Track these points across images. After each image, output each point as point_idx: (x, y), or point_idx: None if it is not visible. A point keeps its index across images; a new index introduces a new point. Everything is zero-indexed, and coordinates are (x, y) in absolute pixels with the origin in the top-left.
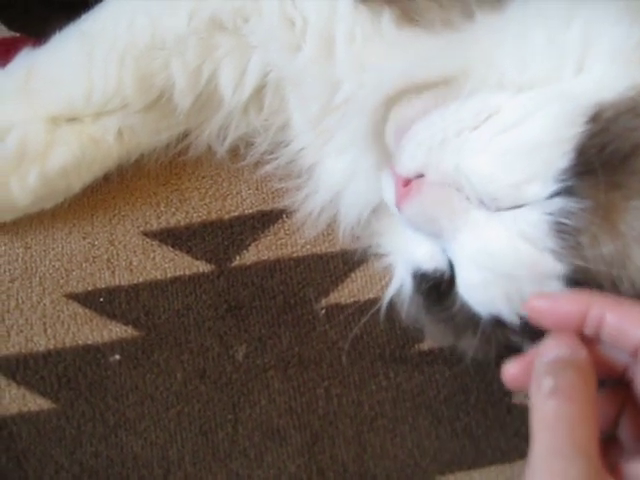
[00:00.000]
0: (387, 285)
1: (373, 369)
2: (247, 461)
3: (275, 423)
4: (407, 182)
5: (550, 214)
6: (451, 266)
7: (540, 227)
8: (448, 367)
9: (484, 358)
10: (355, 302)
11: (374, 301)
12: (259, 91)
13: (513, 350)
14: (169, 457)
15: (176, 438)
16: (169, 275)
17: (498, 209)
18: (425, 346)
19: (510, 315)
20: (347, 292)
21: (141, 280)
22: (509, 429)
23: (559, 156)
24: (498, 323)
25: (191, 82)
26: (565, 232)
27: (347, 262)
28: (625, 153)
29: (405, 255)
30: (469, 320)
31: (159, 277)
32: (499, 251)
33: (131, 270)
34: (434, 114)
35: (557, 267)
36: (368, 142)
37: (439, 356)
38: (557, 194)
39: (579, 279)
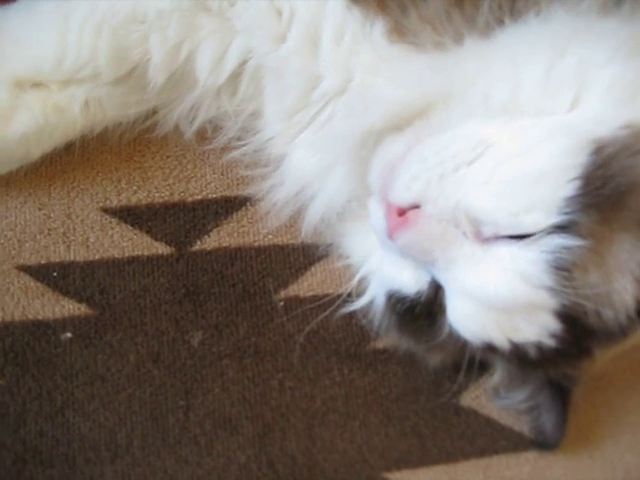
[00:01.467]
0: (345, 282)
1: (328, 364)
2: (197, 448)
3: (227, 412)
4: (402, 212)
5: (548, 252)
6: (435, 292)
7: (538, 265)
8: (401, 367)
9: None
10: (314, 296)
11: (332, 296)
12: (236, 76)
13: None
14: (117, 440)
15: (125, 421)
16: (127, 254)
17: (495, 242)
18: (380, 344)
19: (500, 342)
20: (306, 285)
21: (97, 257)
22: (455, 431)
23: (564, 184)
24: (489, 348)
25: (168, 59)
26: (561, 268)
27: (308, 256)
28: (622, 190)
29: (383, 275)
30: (447, 342)
31: (116, 255)
32: (495, 287)
33: (87, 246)
34: (425, 145)
35: (550, 302)
36: (347, 158)
37: (393, 355)
38: (557, 228)
39: (568, 312)
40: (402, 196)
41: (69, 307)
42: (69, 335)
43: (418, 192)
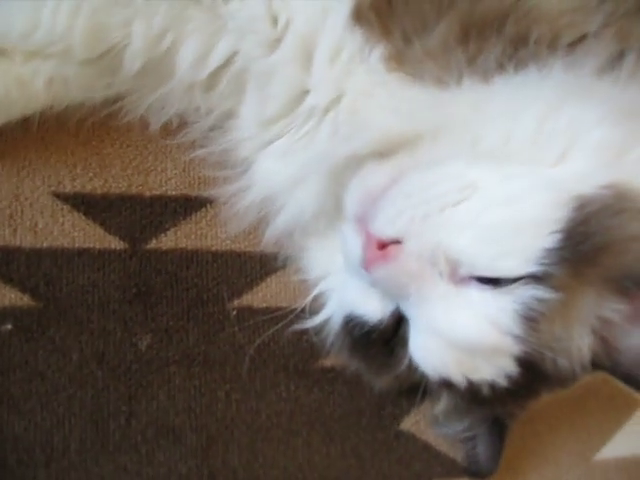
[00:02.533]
0: (300, 297)
1: (275, 379)
2: (137, 456)
3: (171, 421)
4: (382, 245)
5: (520, 302)
6: (396, 322)
7: (508, 313)
8: (346, 387)
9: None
10: (267, 308)
11: (286, 310)
12: (216, 74)
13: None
14: (53, 443)
15: (63, 423)
16: (77, 245)
17: (469, 284)
18: (328, 363)
19: (457, 379)
20: (260, 296)
21: (45, 245)
22: (394, 454)
23: (545, 235)
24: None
25: (148, 47)
26: (530, 318)
27: (265, 266)
28: (598, 247)
29: (345, 298)
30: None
31: (66, 245)
32: (463, 329)
33: (35, 232)
34: (411, 181)
35: (514, 348)
36: (322, 177)
37: (340, 375)
38: (531, 278)
39: (528, 358)
40: (385, 230)
41: (11, 296)
42: (9, 327)
43: (401, 228)
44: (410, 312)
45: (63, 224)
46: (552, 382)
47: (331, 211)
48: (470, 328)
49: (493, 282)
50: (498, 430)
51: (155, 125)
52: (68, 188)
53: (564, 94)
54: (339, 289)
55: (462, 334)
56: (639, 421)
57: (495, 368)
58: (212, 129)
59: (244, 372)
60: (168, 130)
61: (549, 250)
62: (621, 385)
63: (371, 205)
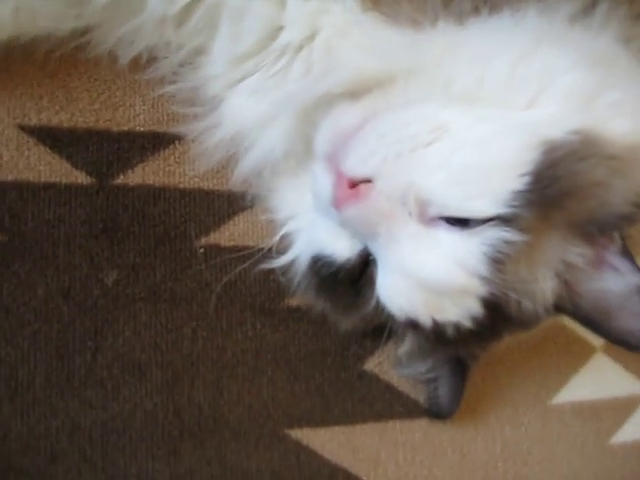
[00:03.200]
0: (268, 237)
1: (241, 317)
2: (103, 392)
3: (137, 357)
4: (353, 184)
5: (488, 243)
6: (364, 262)
7: (476, 255)
8: (312, 327)
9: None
10: (234, 246)
11: (253, 249)
12: (189, 8)
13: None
14: (18, 377)
15: (29, 358)
16: (43, 179)
17: (438, 225)
18: (294, 302)
19: (424, 319)
20: (228, 235)
21: (10, 179)
22: (357, 394)
23: (515, 178)
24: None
25: None
26: (497, 260)
27: (232, 204)
28: (564, 192)
29: (313, 238)
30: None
31: (32, 179)
32: (432, 269)
33: (0, 165)
34: (384, 121)
35: (480, 289)
36: (293, 115)
37: (306, 314)
38: (500, 220)
39: (493, 300)
40: (357, 169)
41: None
42: None
43: (373, 167)
44: (379, 252)
45: (29, 157)
46: (515, 324)
47: (301, 151)
48: (438, 269)
49: (462, 223)
50: (460, 372)
51: (124, 59)
52: (34, 121)
53: (537, 39)
54: (307, 229)
55: (430, 274)
56: (595, 367)
57: (461, 309)
58: (182, 65)
59: (210, 310)
60: (137, 65)
61: (517, 192)
62: (579, 331)
63: (342, 144)
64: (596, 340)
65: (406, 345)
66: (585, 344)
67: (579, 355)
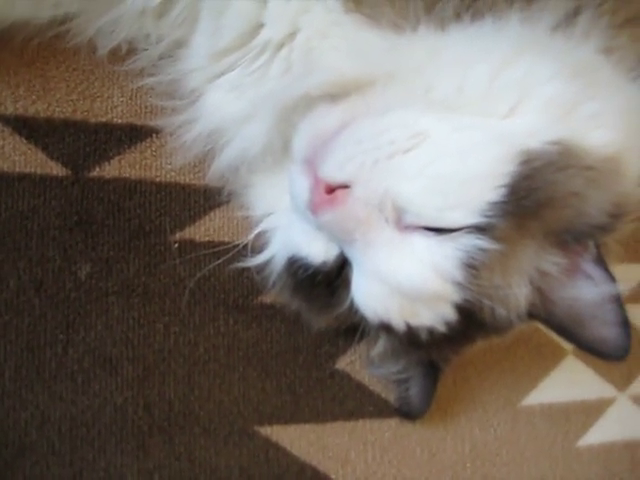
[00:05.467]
0: (243, 233)
1: (214, 313)
2: (73, 385)
3: (108, 351)
4: (330, 190)
5: (463, 250)
6: (340, 265)
7: (451, 261)
8: (285, 324)
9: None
10: (209, 242)
11: (228, 245)
12: (169, 0)
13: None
14: None
15: None
16: (17, 170)
17: (413, 232)
18: (267, 299)
19: (397, 323)
20: (203, 230)
21: None
22: (328, 392)
23: (491, 189)
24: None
25: None
26: (471, 267)
27: (208, 199)
28: (540, 202)
29: (290, 240)
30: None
31: (6, 169)
32: (407, 275)
33: None
34: (362, 126)
35: (454, 296)
36: (272, 114)
37: (279, 312)
38: (475, 229)
39: (467, 306)
40: (334, 174)
41: None
42: None
43: (351, 173)
44: (355, 256)
45: (3, 147)
46: (489, 330)
47: (279, 149)
48: (413, 274)
49: (437, 230)
50: (431, 374)
51: (103, 50)
52: (10, 110)
53: (518, 48)
54: (284, 229)
55: (405, 280)
56: (565, 370)
57: (435, 314)
58: (162, 57)
59: (183, 305)
60: (116, 56)
61: (494, 203)
62: (550, 335)
63: (320, 148)
64: (568, 343)
65: (379, 346)
66: (557, 347)
67: (550, 358)
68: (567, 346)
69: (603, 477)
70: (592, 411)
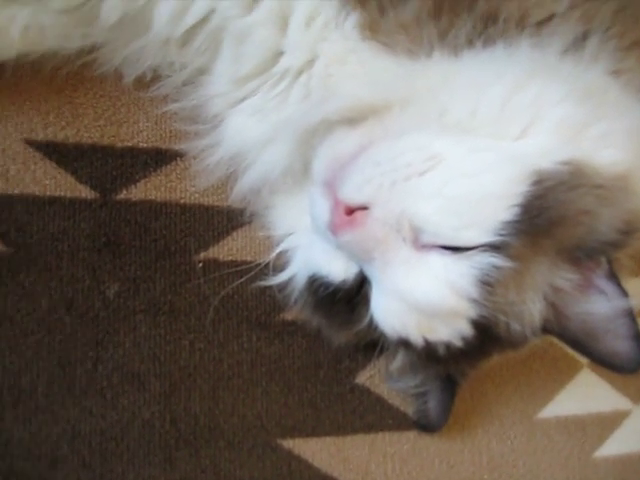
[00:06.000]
0: (265, 252)
1: (238, 330)
2: (102, 401)
3: (136, 368)
4: (349, 211)
5: (478, 268)
6: (360, 283)
7: (466, 278)
8: (306, 340)
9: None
10: (232, 261)
11: (250, 264)
12: (192, 30)
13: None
14: (21, 385)
15: (32, 367)
16: (48, 193)
17: (430, 250)
18: (289, 316)
19: (415, 339)
20: (226, 250)
21: (17, 192)
22: (348, 406)
23: (505, 209)
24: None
25: (126, 0)
26: (486, 284)
27: (231, 220)
28: (553, 221)
29: (311, 259)
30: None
31: (37, 193)
32: (424, 293)
33: (7, 179)
34: (379, 149)
35: (470, 312)
36: (292, 138)
37: (300, 329)
38: (490, 247)
39: (483, 322)
40: (353, 196)
41: None
42: None
43: (369, 195)
44: (373, 275)
45: (35, 172)
46: (504, 344)
47: (299, 171)
48: (430, 292)
49: (453, 249)
50: (449, 387)
51: (129, 77)
52: (40, 136)
53: (530, 72)
54: (304, 248)
55: (422, 297)
56: (581, 383)
57: (452, 330)
58: (185, 84)
59: (208, 322)
60: (142, 83)
61: (507, 222)
62: (565, 349)
63: (339, 171)
64: (583, 357)
65: (398, 361)
66: (572, 360)
67: (566, 371)
68: (582, 359)
69: None
70: (608, 423)
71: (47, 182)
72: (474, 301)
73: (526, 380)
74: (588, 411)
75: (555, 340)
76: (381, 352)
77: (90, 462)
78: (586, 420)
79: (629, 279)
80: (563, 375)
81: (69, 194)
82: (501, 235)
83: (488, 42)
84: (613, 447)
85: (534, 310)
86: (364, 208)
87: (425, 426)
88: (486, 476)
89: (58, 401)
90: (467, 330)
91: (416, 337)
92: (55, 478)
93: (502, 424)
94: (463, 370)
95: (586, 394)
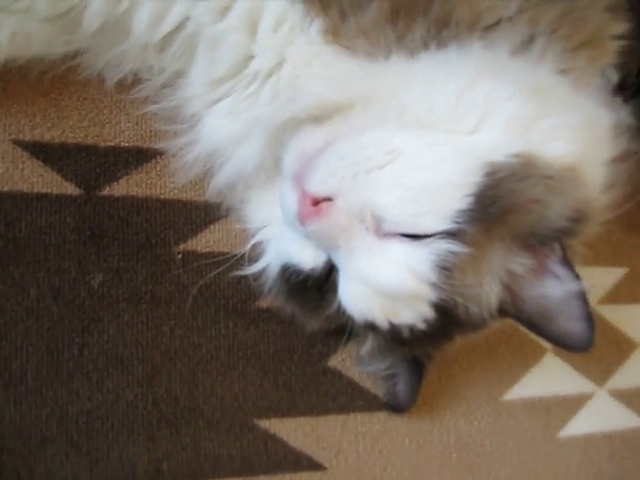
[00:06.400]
0: (241, 244)
1: (215, 317)
2: (88, 384)
3: (120, 352)
4: (316, 202)
5: (436, 254)
6: (328, 270)
7: (426, 263)
8: (280, 326)
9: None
10: (210, 252)
11: (227, 255)
12: (169, 36)
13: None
14: (12, 369)
15: (21, 352)
16: (36, 190)
17: (392, 238)
18: (264, 304)
19: (381, 322)
20: (204, 242)
21: (6, 189)
22: (321, 388)
23: (460, 198)
24: (369, 325)
25: (107, 8)
26: (444, 268)
27: (209, 214)
28: (505, 209)
29: (282, 249)
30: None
31: (25, 190)
32: (386, 277)
33: None
34: (343, 144)
35: (430, 295)
36: (263, 136)
37: (274, 315)
38: (446, 234)
39: (443, 305)
40: (319, 188)
41: None
42: None
43: (333, 186)
44: (340, 262)
45: (23, 170)
46: (464, 327)
47: (271, 167)
48: (392, 276)
49: (413, 236)
50: (417, 369)
51: (111, 81)
52: (28, 137)
53: (480, 71)
54: (277, 239)
55: (385, 282)
56: (545, 366)
57: (414, 313)
58: (164, 86)
59: (187, 310)
60: (123, 86)
61: (462, 211)
62: (529, 335)
63: (306, 165)
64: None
65: (367, 345)
66: (536, 345)
67: (531, 355)
68: (547, 345)
69: (583, 466)
70: (572, 405)
71: (34, 180)
72: (433, 285)
73: (492, 364)
74: (552, 393)
75: (520, 327)
76: (350, 337)
77: (77, 441)
78: (550, 402)
79: (594, 268)
80: (528, 359)
81: (55, 191)
82: (457, 223)
83: (442, 44)
84: (577, 427)
85: (491, 293)
86: (329, 199)
87: (395, 407)
88: (454, 454)
89: (47, 384)
90: (429, 313)
91: (381, 320)
92: (45, 456)
93: (469, 405)
94: (428, 352)
95: (550, 377)
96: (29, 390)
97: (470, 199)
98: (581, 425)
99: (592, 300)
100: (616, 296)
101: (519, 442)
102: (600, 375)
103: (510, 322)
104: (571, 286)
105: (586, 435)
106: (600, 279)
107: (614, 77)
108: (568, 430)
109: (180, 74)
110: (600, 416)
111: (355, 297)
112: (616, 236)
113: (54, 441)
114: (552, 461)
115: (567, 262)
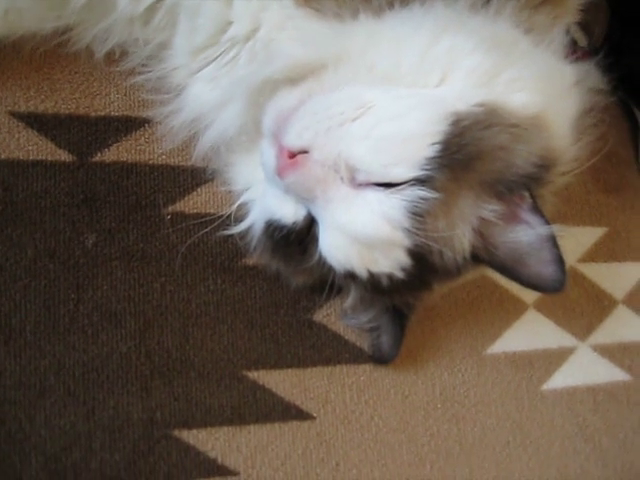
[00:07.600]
0: (227, 205)
1: (204, 274)
2: (84, 337)
3: (113, 307)
4: (292, 155)
5: (408, 200)
6: (309, 224)
7: (398, 210)
8: (266, 283)
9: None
10: (197, 214)
11: (214, 216)
12: (152, 8)
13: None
14: (12, 325)
15: (20, 308)
16: (31, 158)
17: (366, 188)
18: (250, 261)
19: (360, 271)
20: (192, 203)
21: (3, 157)
22: (307, 341)
23: (427, 146)
24: (349, 275)
25: None
26: (416, 214)
27: (196, 177)
28: (472, 156)
29: (264, 205)
30: (313, 267)
31: (21, 157)
32: (362, 225)
33: None
34: (316, 101)
35: (405, 241)
36: (244, 98)
37: (261, 272)
38: (417, 181)
39: (418, 251)
40: (294, 142)
41: None
42: None
43: (308, 140)
44: (318, 213)
45: (19, 139)
46: (440, 273)
47: (252, 130)
48: (367, 224)
49: (386, 185)
50: (399, 320)
51: (99, 54)
52: (23, 108)
53: (443, 26)
54: (260, 199)
55: (360, 229)
56: (527, 321)
57: (391, 260)
58: (150, 58)
59: (177, 267)
60: (111, 59)
61: (430, 158)
62: (511, 290)
63: (283, 122)
64: (528, 297)
65: (350, 298)
66: (518, 301)
67: (512, 311)
68: (528, 300)
69: (567, 417)
70: (554, 359)
71: (30, 148)
72: (407, 231)
73: (474, 319)
74: (535, 348)
75: (501, 282)
76: (332, 290)
77: (74, 391)
78: (533, 356)
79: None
80: (510, 314)
81: (50, 158)
82: (426, 170)
83: (406, 2)
84: (560, 380)
85: (463, 238)
86: (305, 152)
87: (379, 358)
88: (439, 405)
89: (44, 338)
90: (405, 260)
91: (360, 269)
92: (44, 405)
93: (452, 358)
94: (409, 302)
95: (532, 332)
96: (28, 344)
97: (437, 147)
98: (565, 378)
99: (572, 258)
100: (595, 255)
101: (503, 394)
102: (582, 330)
103: (491, 279)
104: (541, 230)
105: (570, 388)
106: (580, 238)
107: (580, 36)
108: (552, 383)
109: (164, 46)
110: (583, 370)
111: (334, 247)
112: (595, 197)
113: (52, 391)
114: (536, 413)
115: (537, 209)
